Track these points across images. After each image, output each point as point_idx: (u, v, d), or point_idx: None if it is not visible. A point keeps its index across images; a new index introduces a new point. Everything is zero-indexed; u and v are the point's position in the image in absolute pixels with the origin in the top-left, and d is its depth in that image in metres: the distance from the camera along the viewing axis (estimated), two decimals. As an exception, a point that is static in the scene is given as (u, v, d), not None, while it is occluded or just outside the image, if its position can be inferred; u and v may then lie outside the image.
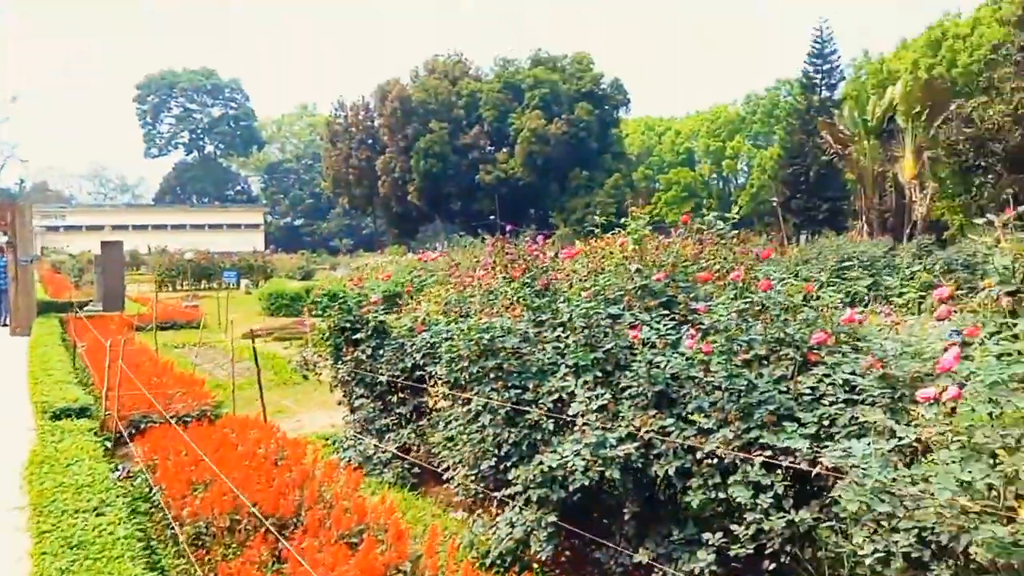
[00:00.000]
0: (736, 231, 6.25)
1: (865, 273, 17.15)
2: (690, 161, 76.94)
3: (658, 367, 4.27)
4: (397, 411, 6.97)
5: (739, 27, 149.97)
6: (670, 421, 4.10)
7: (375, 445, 6.76)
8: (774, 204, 41.96)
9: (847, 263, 18.38)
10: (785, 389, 3.95)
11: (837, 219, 43.52)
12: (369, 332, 7.08)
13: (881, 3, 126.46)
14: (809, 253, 20.29)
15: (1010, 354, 3.09)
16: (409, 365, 6.70)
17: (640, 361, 4.35)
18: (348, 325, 7.20)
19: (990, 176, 30.00)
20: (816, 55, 48.04)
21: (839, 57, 48.55)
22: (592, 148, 62.45)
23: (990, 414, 2.90)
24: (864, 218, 37.96)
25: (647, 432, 4.13)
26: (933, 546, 2.82)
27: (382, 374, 6.84)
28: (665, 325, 4.72)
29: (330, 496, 4.91)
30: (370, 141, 67.38)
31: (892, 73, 47.37)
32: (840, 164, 40.85)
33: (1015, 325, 3.14)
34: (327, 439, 7.90)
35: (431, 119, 62.15)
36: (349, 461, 6.73)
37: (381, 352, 6.97)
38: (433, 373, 6.21)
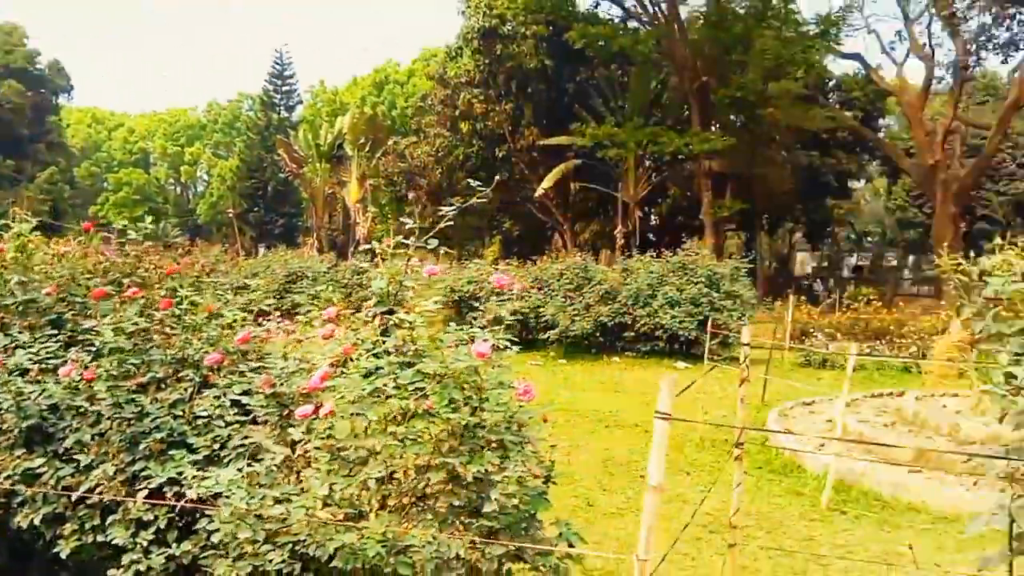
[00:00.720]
0: (192, 240, 5.80)
1: (308, 287, 18.12)
2: (145, 162, 71.36)
3: (29, 398, 3.61)
4: None
5: (202, 36, 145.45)
6: (40, 461, 3.50)
7: None
8: (230, 216, 41.70)
9: (293, 277, 19.24)
10: (181, 413, 3.73)
11: (292, 234, 45.48)
12: None
13: (339, 38, 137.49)
14: (259, 266, 20.57)
15: (380, 368, 3.42)
16: None
17: (7, 392, 3.62)
18: None
19: (418, 206, 34.97)
20: (276, 76, 49.64)
21: (298, 82, 51.07)
22: (23, 135, 52.97)
23: (366, 428, 3.16)
24: (316, 235, 40.43)
25: (9, 477, 3.44)
26: (303, 559, 2.92)
27: None
28: (49, 348, 4.06)
29: None
30: None
31: (343, 104, 51.79)
32: (296, 183, 42.81)
33: (385, 343, 3.49)
34: None
35: None
36: None
37: None
38: None
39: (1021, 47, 27.16)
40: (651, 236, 38.80)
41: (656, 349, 16.73)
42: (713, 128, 31.94)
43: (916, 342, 16.15)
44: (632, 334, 16.83)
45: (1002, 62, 28.86)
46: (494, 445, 3.13)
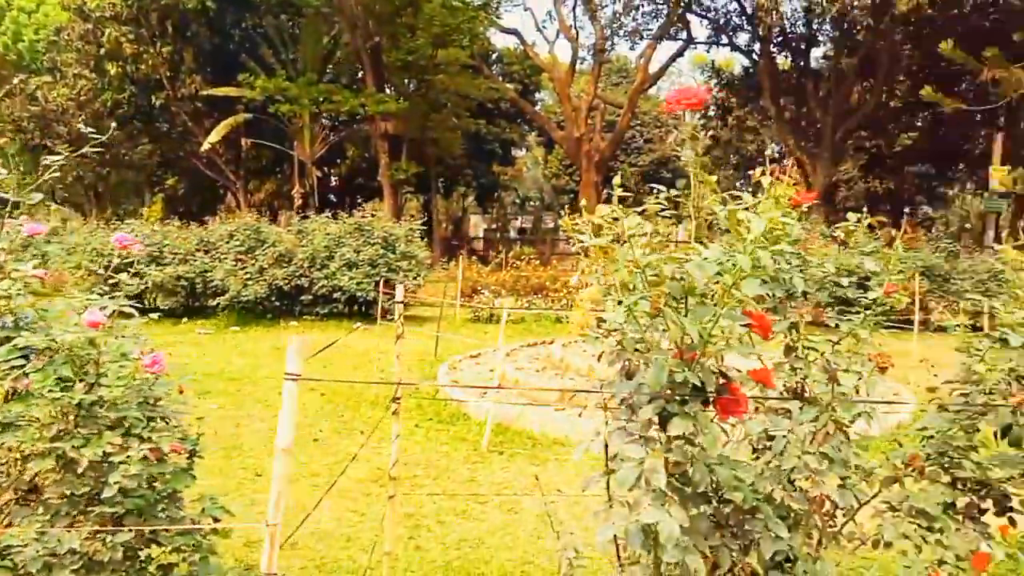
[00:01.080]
0: None
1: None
2: None
3: None
4: None
5: None
6: None
7: None
8: None
9: None
10: None
11: None
12: None
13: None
14: None
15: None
16: None
17: None
18: None
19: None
20: None
21: None
22: None
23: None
24: (-86, 190, 32.85)
25: None
26: None
27: None
28: None
29: None
30: None
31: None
32: None
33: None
34: None
35: None
36: None
37: None
38: None
39: (645, 36, 31.51)
40: (332, 197, 38.22)
41: (335, 311, 16.63)
42: (388, 90, 32.18)
43: (565, 296, 18.18)
44: (310, 297, 16.51)
45: (630, 48, 33.29)
46: (122, 424, 2.83)
